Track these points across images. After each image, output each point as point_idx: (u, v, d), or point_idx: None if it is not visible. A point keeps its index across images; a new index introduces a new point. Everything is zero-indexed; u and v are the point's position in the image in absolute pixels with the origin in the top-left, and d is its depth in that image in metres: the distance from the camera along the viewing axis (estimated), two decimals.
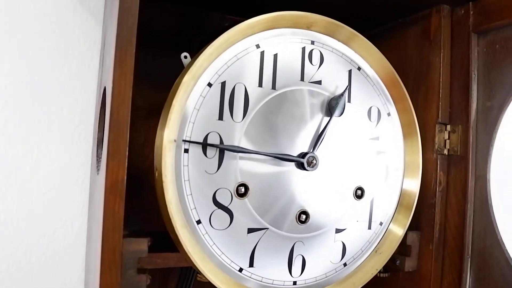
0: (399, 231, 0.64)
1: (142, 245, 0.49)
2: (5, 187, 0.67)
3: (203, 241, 0.51)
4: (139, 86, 0.54)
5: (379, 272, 0.71)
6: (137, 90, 0.50)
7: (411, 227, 0.67)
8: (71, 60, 0.72)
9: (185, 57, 0.57)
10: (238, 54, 0.54)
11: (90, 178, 0.70)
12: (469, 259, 0.65)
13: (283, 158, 0.55)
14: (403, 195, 0.64)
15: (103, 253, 0.45)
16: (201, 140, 0.51)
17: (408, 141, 0.65)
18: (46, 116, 0.70)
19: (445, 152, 0.68)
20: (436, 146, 0.67)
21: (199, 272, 0.57)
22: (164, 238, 0.53)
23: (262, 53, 0.55)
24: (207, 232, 0.52)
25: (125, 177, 0.47)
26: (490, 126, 0.65)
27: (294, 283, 0.58)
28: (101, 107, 0.64)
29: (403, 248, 0.68)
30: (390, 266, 0.70)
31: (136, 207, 0.59)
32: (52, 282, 0.69)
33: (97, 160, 0.62)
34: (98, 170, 0.59)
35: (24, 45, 0.69)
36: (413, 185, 0.65)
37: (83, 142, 0.72)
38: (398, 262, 0.68)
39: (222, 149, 0.52)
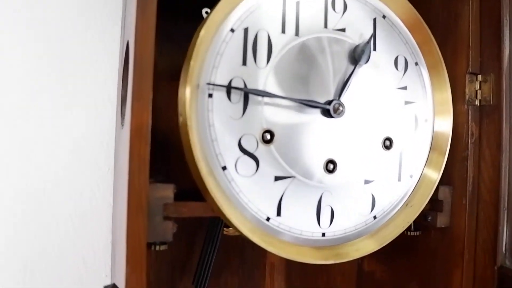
0: (431, 179, 0.61)
1: (167, 191, 0.49)
2: (32, 152, 0.68)
3: (229, 188, 0.50)
4: (161, 50, 0.53)
5: (410, 230, 0.69)
6: (159, 54, 0.50)
7: (443, 182, 0.65)
8: (94, 26, 0.72)
9: (206, 12, 0.57)
10: (260, 0, 0.53)
11: (115, 140, 0.70)
12: (506, 212, 0.63)
13: (309, 104, 0.54)
14: (434, 139, 0.62)
15: (129, 197, 0.45)
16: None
17: (436, 85, 0.63)
18: (70, 81, 0.70)
19: (477, 103, 0.65)
20: (467, 97, 0.65)
21: (226, 224, 0.56)
22: (191, 193, 0.52)
23: None
24: (233, 179, 0.51)
25: (150, 121, 0.46)
26: None
27: (323, 234, 0.56)
28: (124, 66, 0.63)
29: (435, 204, 0.66)
30: (422, 223, 0.68)
31: (161, 172, 0.58)
32: (79, 245, 0.69)
33: (121, 117, 0.62)
34: (122, 125, 0.59)
35: (47, 11, 0.69)
36: (445, 127, 0.62)
37: (107, 106, 0.71)
38: (429, 218, 0.66)
39: (246, 94, 0.51)
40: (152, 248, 0.53)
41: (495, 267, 0.63)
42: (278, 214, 0.53)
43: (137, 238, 0.44)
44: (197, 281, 0.70)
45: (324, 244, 0.56)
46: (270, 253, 0.66)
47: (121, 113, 0.62)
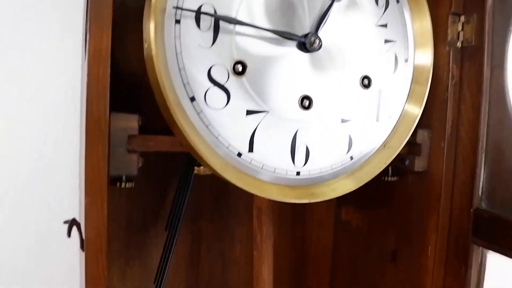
0: (412, 116, 0.59)
1: (131, 121, 0.46)
2: None
3: (198, 120, 0.48)
4: None
5: (387, 176, 0.67)
6: None
7: (422, 125, 0.63)
8: None
9: None
10: None
11: (81, 79, 0.67)
12: (484, 153, 0.61)
13: (284, 35, 0.51)
14: (415, 73, 0.60)
15: (88, 125, 0.42)
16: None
17: (416, 17, 0.60)
18: (36, 29, 0.66)
19: (458, 44, 0.63)
20: (449, 38, 0.63)
21: (198, 163, 0.54)
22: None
23: None
24: (202, 111, 0.48)
25: (110, 44, 0.43)
26: (509, 11, 0.60)
27: (298, 173, 0.54)
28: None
29: (413, 147, 0.64)
30: (399, 168, 0.66)
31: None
32: (43, 189, 0.66)
33: (84, 51, 0.58)
34: (85, 57, 0.55)
35: None
36: (426, 59, 0.60)
37: (76, 49, 0.68)
38: (407, 162, 0.65)
39: (217, 21, 0.48)
40: (118, 184, 0.50)
41: (471, 210, 0.62)
42: (250, 150, 0.51)
43: (97, 168, 0.41)
44: (170, 225, 0.68)
45: (298, 184, 0.54)
46: (247, 197, 0.65)
47: (84, 46, 0.58)
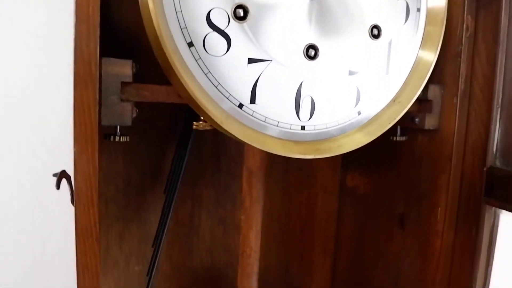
0: (427, 63, 0.56)
1: (125, 67, 0.43)
2: None
3: (197, 67, 0.45)
4: None
5: (396, 136, 0.64)
6: None
7: (433, 80, 0.60)
8: None
9: None
10: None
11: None
12: (499, 110, 0.58)
13: None
14: (429, 17, 0.56)
15: (77, 67, 0.39)
16: None
17: None
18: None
19: None
20: None
21: (196, 118, 0.51)
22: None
23: None
24: (200, 57, 0.45)
25: None
26: None
27: (303, 127, 0.51)
28: None
29: (423, 104, 0.61)
30: (408, 127, 0.63)
31: None
32: (39, 148, 0.63)
33: None
34: None
35: None
36: (439, 1, 0.56)
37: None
38: (417, 120, 0.62)
39: None
40: (112, 138, 0.47)
41: (484, 169, 0.59)
42: (253, 101, 0.48)
43: (87, 114, 0.38)
44: (169, 188, 0.66)
45: (303, 139, 0.51)
46: (248, 158, 0.62)
47: None
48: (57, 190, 0.46)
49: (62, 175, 0.41)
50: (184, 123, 0.62)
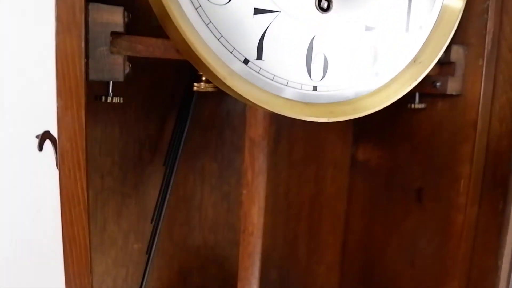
0: (454, 10, 0.50)
1: (115, 15, 0.38)
2: None
3: (197, 17, 0.40)
4: None
5: (414, 103, 0.59)
6: None
7: (456, 41, 0.54)
8: None
9: None
10: None
11: None
12: None
13: None
14: None
15: (58, 12, 0.34)
16: None
17: None
18: None
19: None
20: None
21: (197, 78, 0.46)
22: None
23: None
24: (201, 6, 0.40)
25: None
26: None
27: (315, 88, 0.46)
28: None
29: (445, 67, 0.56)
30: (428, 93, 0.58)
31: None
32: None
33: None
34: None
35: None
36: None
37: None
38: (438, 84, 0.57)
39: None
40: (103, 99, 0.43)
41: None
42: (259, 56, 0.42)
43: (71, 64, 0.33)
44: (168, 160, 0.61)
45: (315, 101, 0.46)
46: (250, 128, 0.57)
47: None
48: (46, 157, 0.41)
49: (45, 136, 0.36)
50: (185, 87, 0.57)
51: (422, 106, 0.60)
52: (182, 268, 0.70)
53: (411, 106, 0.61)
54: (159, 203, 0.60)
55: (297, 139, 0.75)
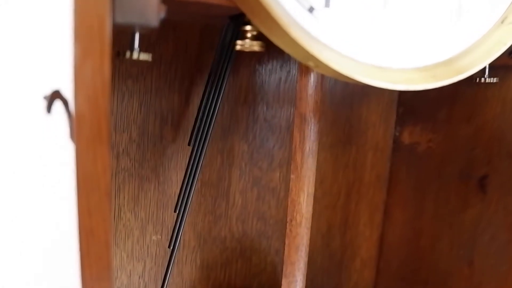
0: None
1: None
2: None
3: None
4: None
5: (483, 76, 0.50)
6: None
7: None
8: None
9: None
10: None
11: None
12: None
13: None
14: None
15: None
16: None
17: None
18: None
19: None
20: None
21: (240, 35, 0.37)
22: None
23: None
24: None
25: None
26: None
27: (388, 50, 0.37)
28: None
29: None
30: (502, 66, 0.49)
31: None
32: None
33: None
34: None
35: None
36: None
37: None
38: None
39: None
40: (128, 55, 0.34)
41: None
42: (327, 4, 0.33)
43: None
44: (195, 139, 0.52)
45: (390, 65, 0.37)
46: (301, 101, 0.48)
47: None
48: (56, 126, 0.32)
49: (54, 96, 0.27)
50: (217, 52, 0.47)
51: (493, 80, 0.51)
52: (206, 262, 0.61)
53: (479, 80, 0.51)
54: (184, 189, 0.52)
55: (335, 119, 0.66)
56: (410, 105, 0.68)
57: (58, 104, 0.27)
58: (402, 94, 0.68)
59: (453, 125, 0.60)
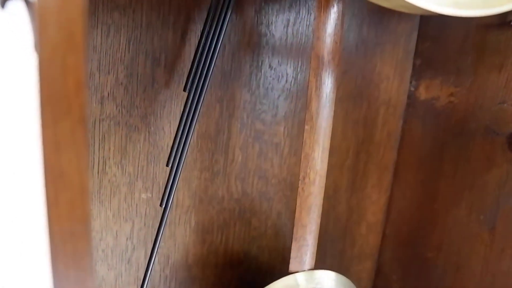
0: None
1: None
2: None
3: None
4: None
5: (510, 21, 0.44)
6: None
7: None
8: None
9: None
10: None
11: None
12: None
13: None
14: None
15: None
16: None
17: None
18: None
19: None
20: None
21: None
22: None
23: None
24: None
25: None
26: None
27: None
28: None
29: None
30: None
31: None
32: None
33: None
34: None
35: None
36: None
37: None
38: None
39: None
40: None
41: None
42: None
43: None
44: (190, 86, 0.45)
45: None
46: (319, 40, 0.41)
47: None
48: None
49: None
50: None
51: None
52: (201, 224, 0.56)
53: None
54: (178, 141, 0.45)
55: (346, 69, 0.59)
56: (428, 56, 0.61)
57: None
58: (420, 44, 0.62)
59: (480, 76, 0.53)
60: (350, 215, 0.67)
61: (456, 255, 0.57)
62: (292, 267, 0.47)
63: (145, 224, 0.52)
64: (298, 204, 0.43)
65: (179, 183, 0.52)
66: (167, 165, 0.46)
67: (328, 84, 0.41)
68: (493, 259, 0.52)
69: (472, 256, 0.55)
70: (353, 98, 0.61)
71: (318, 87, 0.41)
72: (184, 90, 0.48)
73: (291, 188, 0.59)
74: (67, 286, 0.21)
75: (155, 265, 0.54)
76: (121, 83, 0.46)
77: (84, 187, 0.20)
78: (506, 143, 0.51)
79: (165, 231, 0.54)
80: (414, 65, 0.63)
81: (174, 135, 0.45)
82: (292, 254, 0.47)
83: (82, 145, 0.20)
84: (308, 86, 0.41)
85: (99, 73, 0.45)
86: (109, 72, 0.46)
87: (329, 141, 0.42)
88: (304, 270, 0.48)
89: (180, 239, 0.55)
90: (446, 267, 0.58)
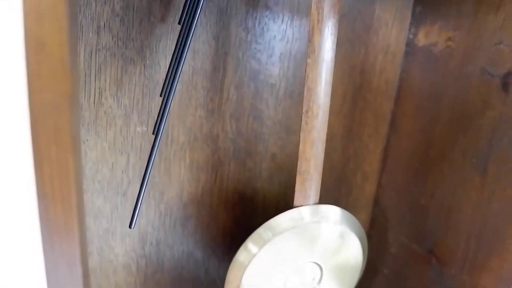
0: None
1: None
2: None
3: None
4: None
5: None
6: None
7: None
8: None
9: None
10: None
11: None
12: None
13: None
14: None
15: None
16: None
17: None
18: None
19: None
20: None
21: None
22: None
23: None
24: None
25: None
26: None
27: None
28: None
29: None
30: None
31: None
32: None
33: None
34: None
35: None
36: None
37: None
38: None
39: None
40: None
41: None
42: None
43: None
44: (185, 19, 0.46)
45: None
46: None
47: None
48: None
49: None
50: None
51: None
52: (196, 162, 0.57)
53: None
54: (171, 71, 0.46)
55: (344, 13, 0.59)
56: (429, 2, 0.61)
57: None
58: None
59: (479, 18, 0.53)
60: (346, 163, 0.68)
61: (449, 199, 0.57)
62: (296, 201, 0.46)
63: (140, 158, 0.53)
64: (301, 138, 0.44)
65: (174, 120, 0.53)
66: (160, 95, 0.47)
67: (330, 16, 0.41)
68: (484, 202, 0.53)
69: (463, 199, 0.55)
70: (350, 42, 0.61)
71: (320, 20, 0.41)
72: (179, 23, 0.48)
73: (287, 130, 0.60)
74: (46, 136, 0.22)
75: (150, 200, 0.55)
76: (117, 14, 0.47)
77: (64, 59, 0.21)
78: (501, 84, 0.51)
79: (160, 166, 0.55)
80: (413, 12, 0.63)
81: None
82: (297, 188, 0.46)
83: (63, 18, 0.21)
84: (309, 19, 0.41)
85: (95, 2, 0.46)
86: (105, 2, 0.46)
87: (332, 75, 0.43)
88: (309, 204, 0.48)
89: (174, 176, 0.56)
90: (439, 213, 0.59)
